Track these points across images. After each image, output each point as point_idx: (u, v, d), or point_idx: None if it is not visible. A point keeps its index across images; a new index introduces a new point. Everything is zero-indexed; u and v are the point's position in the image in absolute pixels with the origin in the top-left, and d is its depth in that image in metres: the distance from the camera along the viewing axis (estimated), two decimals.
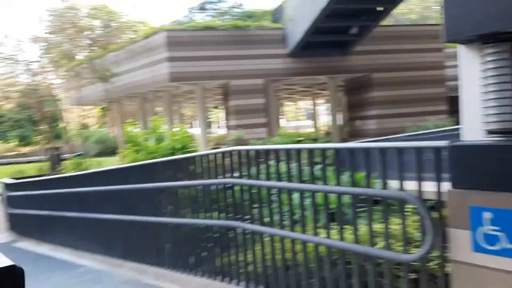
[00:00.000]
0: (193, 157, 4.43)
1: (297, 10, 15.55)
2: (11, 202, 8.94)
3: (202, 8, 27.05)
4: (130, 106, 26.01)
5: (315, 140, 13.06)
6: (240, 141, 11.94)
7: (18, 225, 8.50)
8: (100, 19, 18.30)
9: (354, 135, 18.58)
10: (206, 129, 18.76)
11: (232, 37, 16.24)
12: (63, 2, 16.42)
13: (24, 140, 47.77)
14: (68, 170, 16.11)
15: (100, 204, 5.76)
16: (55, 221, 6.74)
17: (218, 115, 50.46)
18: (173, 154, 9.94)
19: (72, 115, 45.76)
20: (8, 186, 9.16)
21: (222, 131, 55.41)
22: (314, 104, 35.72)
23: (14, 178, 9.58)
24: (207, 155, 4.19)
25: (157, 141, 10.70)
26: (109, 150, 43.02)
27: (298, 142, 12.52)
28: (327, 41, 16.32)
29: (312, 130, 34.60)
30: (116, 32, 18.01)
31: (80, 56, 18.96)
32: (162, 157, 9.85)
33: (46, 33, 17.31)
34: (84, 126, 56.34)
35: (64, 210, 6.48)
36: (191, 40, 16.00)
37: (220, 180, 3.99)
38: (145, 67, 16.99)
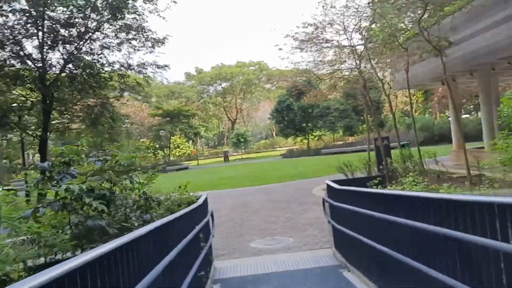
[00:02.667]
0: None
1: None
2: (334, 213, 7.03)
3: None
4: (465, 84, 21.61)
5: None
6: None
7: (344, 246, 6.43)
8: None
9: None
10: None
11: None
12: None
13: (349, 130, 50.13)
14: (398, 164, 13.76)
15: None
16: (399, 265, 4.02)
17: None
18: None
19: (393, 101, 44.62)
20: (331, 192, 7.25)
21: None
22: None
23: (336, 182, 7.55)
24: None
25: None
26: (436, 138, 38.98)
27: None
28: None
29: None
30: None
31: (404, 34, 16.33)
32: None
33: (368, 24, 15.65)
34: (405, 113, 54.08)
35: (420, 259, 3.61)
36: None
37: None
38: (496, 25, 12.59)
